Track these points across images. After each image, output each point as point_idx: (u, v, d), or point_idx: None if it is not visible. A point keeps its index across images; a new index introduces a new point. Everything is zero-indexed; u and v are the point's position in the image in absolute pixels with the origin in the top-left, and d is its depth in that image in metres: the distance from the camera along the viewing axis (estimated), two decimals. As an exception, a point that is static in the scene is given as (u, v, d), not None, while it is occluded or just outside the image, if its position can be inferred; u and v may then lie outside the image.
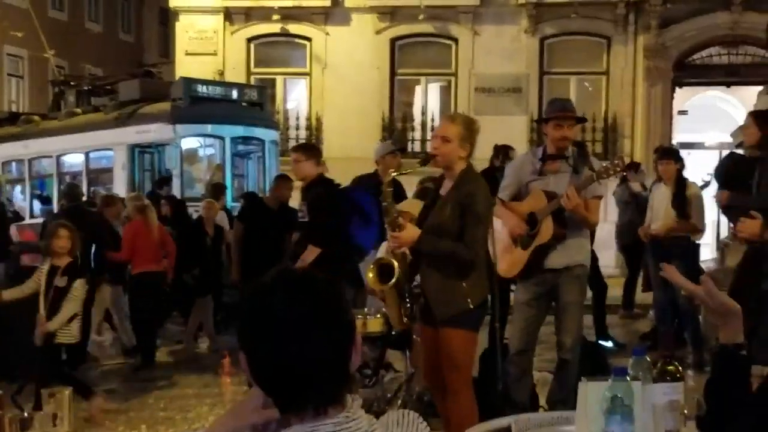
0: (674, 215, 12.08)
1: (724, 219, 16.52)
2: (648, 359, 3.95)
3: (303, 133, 25.88)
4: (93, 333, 14.71)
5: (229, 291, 15.19)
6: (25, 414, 4.27)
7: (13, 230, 19.61)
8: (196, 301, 14.74)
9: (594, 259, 11.03)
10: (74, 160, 22.88)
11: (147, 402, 11.26)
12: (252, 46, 26.54)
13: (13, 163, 24.62)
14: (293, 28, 26.06)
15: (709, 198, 12.92)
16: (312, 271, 2.57)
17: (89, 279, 13.21)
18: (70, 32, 35.02)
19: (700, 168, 22.57)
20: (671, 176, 12.20)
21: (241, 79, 25.16)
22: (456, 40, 25.51)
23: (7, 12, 32.21)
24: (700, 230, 12.25)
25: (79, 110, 22.67)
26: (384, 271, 7.18)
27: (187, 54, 26.38)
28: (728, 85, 27.13)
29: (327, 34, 25.78)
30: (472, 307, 6.91)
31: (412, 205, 8.28)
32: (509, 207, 8.41)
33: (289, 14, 25.79)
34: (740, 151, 12.81)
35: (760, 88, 18.76)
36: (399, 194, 9.40)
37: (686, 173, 12.64)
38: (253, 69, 26.52)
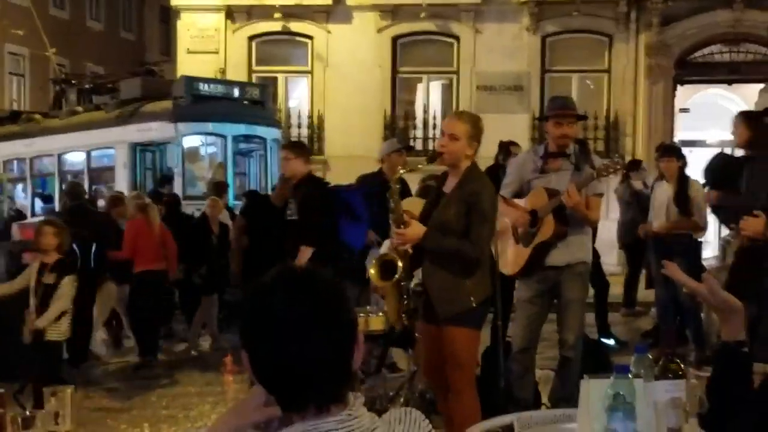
0: (676, 212, 12.08)
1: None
2: (650, 357, 3.95)
3: (305, 132, 25.87)
4: (100, 331, 14.78)
5: (231, 289, 15.21)
6: (27, 413, 4.26)
7: (14, 229, 19.65)
8: (202, 299, 14.76)
9: (596, 256, 11.05)
10: (76, 159, 22.88)
11: (149, 400, 11.27)
12: (253, 44, 26.52)
13: (15, 162, 24.61)
14: (295, 26, 26.04)
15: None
16: (314, 269, 2.57)
17: (88, 277, 13.29)
18: (71, 30, 35.05)
19: (701, 165, 22.55)
20: (673, 174, 12.21)
21: (243, 77, 25.15)
22: (458, 38, 25.49)
23: (8, 10, 32.22)
24: (702, 228, 12.25)
25: (80, 109, 22.68)
26: (387, 267, 7.19)
27: (189, 52, 26.36)
28: (730, 82, 27.10)
29: (328, 32, 25.76)
30: (475, 305, 6.91)
31: (412, 204, 8.28)
32: (511, 204, 8.41)
33: (290, 12, 25.77)
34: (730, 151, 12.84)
35: (762, 85, 18.81)
36: (405, 192, 9.41)
37: (688, 171, 12.64)
38: (254, 67, 26.50)
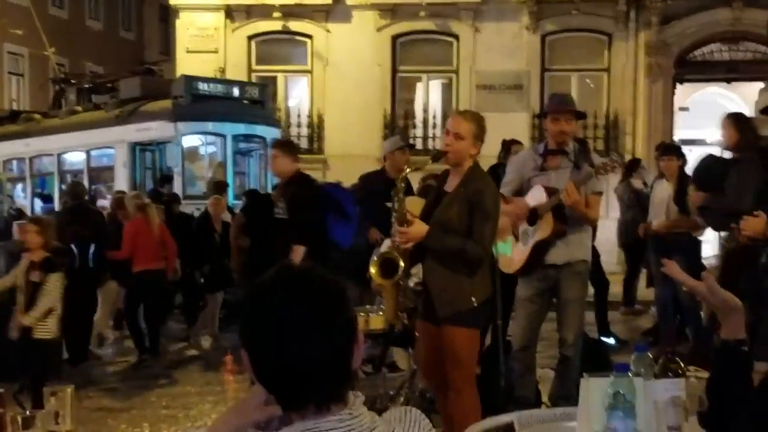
0: (676, 211, 12.09)
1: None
2: (650, 355, 3.96)
3: (304, 131, 25.89)
4: (107, 330, 14.82)
5: (231, 288, 15.22)
6: (27, 413, 4.25)
7: (15, 228, 19.64)
8: (206, 297, 14.78)
9: (596, 255, 11.04)
10: (75, 158, 22.89)
11: (149, 400, 11.28)
12: (253, 43, 26.53)
13: (14, 162, 24.61)
14: (294, 25, 26.04)
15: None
16: (314, 268, 2.57)
17: (87, 277, 13.31)
18: (70, 30, 35.03)
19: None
20: (673, 173, 12.22)
21: (243, 76, 25.15)
22: (457, 37, 25.50)
23: (7, 10, 32.20)
24: (701, 227, 12.24)
25: (79, 108, 22.69)
26: (387, 266, 7.18)
27: (188, 52, 26.36)
28: (729, 81, 27.11)
29: (328, 31, 25.76)
30: (476, 304, 6.90)
31: (411, 203, 8.26)
32: (510, 202, 8.41)
33: (290, 12, 25.77)
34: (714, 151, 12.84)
35: (761, 84, 18.80)
36: (408, 191, 9.41)
37: (688, 170, 12.64)
38: (254, 66, 26.51)
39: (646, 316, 15.95)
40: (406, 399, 8.54)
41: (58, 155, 22.86)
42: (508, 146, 12.46)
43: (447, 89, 26.19)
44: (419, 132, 25.33)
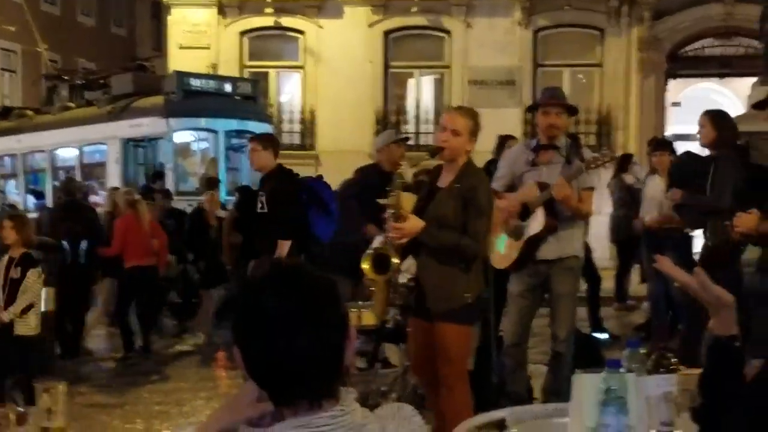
0: (668, 207, 12.08)
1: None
2: (642, 351, 3.96)
3: (296, 127, 25.91)
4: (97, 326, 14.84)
5: (224, 284, 15.22)
6: (20, 409, 4.25)
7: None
8: (202, 293, 14.79)
9: (588, 251, 11.05)
10: (68, 155, 22.88)
11: (142, 396, 11.27)
12: (245, 39, 26.53)
13: (7, 158, 24.60)
14: (286, 21, 26.04)
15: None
16: (305, 265, 2.57)
17: (79, 273, 13.30)
18: (62, 26, 34.95)
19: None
20: (665, 168, 12.20)
21: (235, 72, 25.14)
22: (449, 33, 25.52)
23: (-1, 6, 32.16)
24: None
25: (72, 104, 22.68)
26: (380, 261, 7.17)
27: (180, 48, 26.36)
28: (721, 76, 27.15)
29: (320, 27, 25.77)
30: (470, 301, 6.90)
31: (403, 199, 8.25)
32: (502, 197, 8.40)
33: (282, 7, 25.78)
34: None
35: (754, 79, 18.79)
36: (407, 187, 9.39)
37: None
38: (246, 62, 26.51)
39: (639, 311, 15.96)
40: (399, 395, 8.53)
41: (51, 151, 22.84)
42: (503, 142, 12.45)
43: (439, 85, 26.20)
44: (411, 128, 25.31)
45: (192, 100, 20.13)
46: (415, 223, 6.92)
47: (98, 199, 18.85)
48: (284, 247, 9.86)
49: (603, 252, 17.64)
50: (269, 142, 10.83)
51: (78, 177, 20.76)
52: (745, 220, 7.47)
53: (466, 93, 24.67)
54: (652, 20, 24.30)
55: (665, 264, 3.52)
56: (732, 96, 27.31)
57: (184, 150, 21.30)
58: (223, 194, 18.36)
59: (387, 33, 25.73)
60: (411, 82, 26.37)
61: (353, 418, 2.48)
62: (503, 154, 10.60)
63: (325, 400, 2.46)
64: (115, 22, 40.93)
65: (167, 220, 15.76)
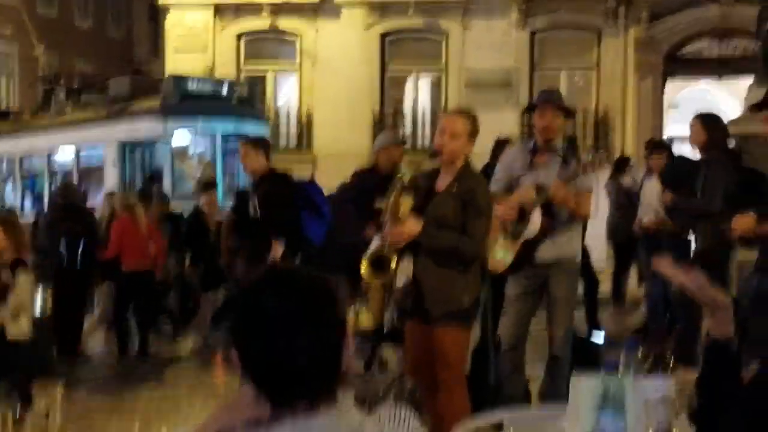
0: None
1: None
2: (640, 353, 3.96)
3: (293, 129, 25.90)
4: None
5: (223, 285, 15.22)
6: (18, 410, 4.25)
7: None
8: (202, 296, 14.79)
9: (585, 254, 11.03)
10: (65, 158, 22.85)
11: (140, 398, 11.24)
12: (242, 41, 26.54)
13: (4, 161, 24.58)
14: (283, 23, 26.06)
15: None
16: (303, 267, 2.58)
17: (77, 277, 13.29)
18: (59, 29, 34.95)
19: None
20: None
21: (231, 75, 25.17)
22: (446, 35, 25.53)
23: (-4, 9, 32.17)
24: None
25: (69, 107, 22.65)
26: (379, 264, 7.16)
27: (177, 50, 26.36)
28: (719, 77, 27.15)
29: (317, 29, 25.77)
30: (467, 304, 6.90)
31: (402, 201, 8.24)
32: (500, 203, 8.39)
33: (278, 10, 25.79)
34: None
35: (751, 80, 18.80)
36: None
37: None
38: (243, 65, 26.52)
39: (636, 313, 15.94)
40: (396, 397, 8.52)
41: (48, 154, 22.82)
42: (502, 145, 12.44)
43: (436, 87, 26.21)
44: (408, 130, 25.32)
45: (189, 102, 20.10)
46: (414, 226, 6.91)
47: (96, 202, 18.81)
48: (279, 248, 9.84)
49: (600, 254, 17.66)
50: (260, 145, 10.78)
51: (75, 180, 20.76)
52: (743, 222, 7.50)
53: (463, 95, 24.67)
54: (649, 21, 24.32)
55: (663, 265, 3.52)
56: (729, 97, 27.30)
57: (180, 153, 21.26)
58: (220, 197, 18.34)
59: (384, 35, 25.75)
60: (408, 84, 26.39)
61: (350, 421, 2.48)
62: (501, 156, 10.60)
63: (322, 401, 2.46)
64: (112, 25, 40.94)
65: (164, 223, 15.73)
